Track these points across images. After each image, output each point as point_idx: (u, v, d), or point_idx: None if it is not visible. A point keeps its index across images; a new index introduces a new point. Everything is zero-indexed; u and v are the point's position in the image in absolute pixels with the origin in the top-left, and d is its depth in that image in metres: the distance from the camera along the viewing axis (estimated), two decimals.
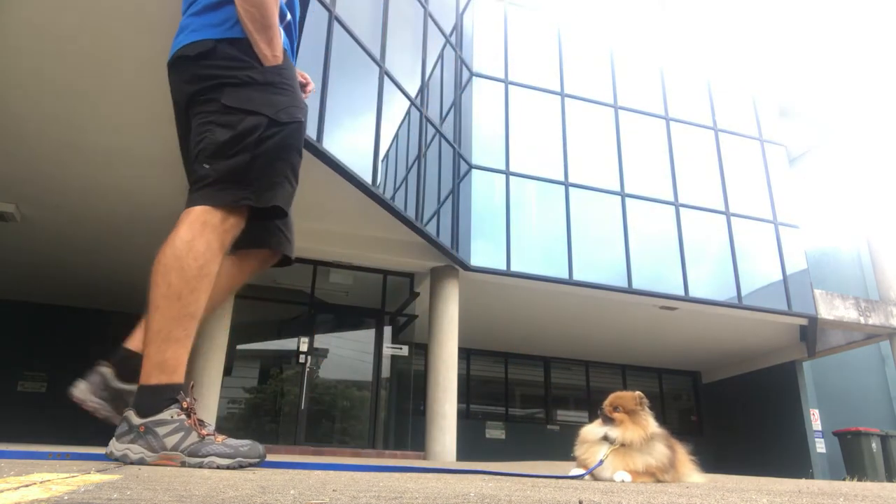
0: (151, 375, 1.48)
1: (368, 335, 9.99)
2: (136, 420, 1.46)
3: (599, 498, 0.99)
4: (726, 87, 12.96)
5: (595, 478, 1.77)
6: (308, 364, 9.01)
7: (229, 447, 1.46)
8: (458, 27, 10.51)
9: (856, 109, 14.62)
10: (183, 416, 1.47)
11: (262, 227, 1.75)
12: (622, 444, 1.78)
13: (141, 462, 1.43)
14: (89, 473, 1.13)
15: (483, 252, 9.65)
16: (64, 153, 6.84)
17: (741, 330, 11.93)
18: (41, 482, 0.91)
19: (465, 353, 12.18)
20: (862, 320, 11.86)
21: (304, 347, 9.02)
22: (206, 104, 1.64)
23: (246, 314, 8.69)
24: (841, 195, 16.51)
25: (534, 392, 14.37)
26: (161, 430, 1.45)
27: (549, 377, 14.23)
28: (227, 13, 1.67)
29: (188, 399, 1.52)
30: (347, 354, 10.38)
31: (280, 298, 9.93)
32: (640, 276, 10.40)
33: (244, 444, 1.48)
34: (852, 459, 10.33)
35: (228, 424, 8.83)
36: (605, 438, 1.81)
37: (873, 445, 10.28)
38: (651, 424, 1.85)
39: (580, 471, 1.79)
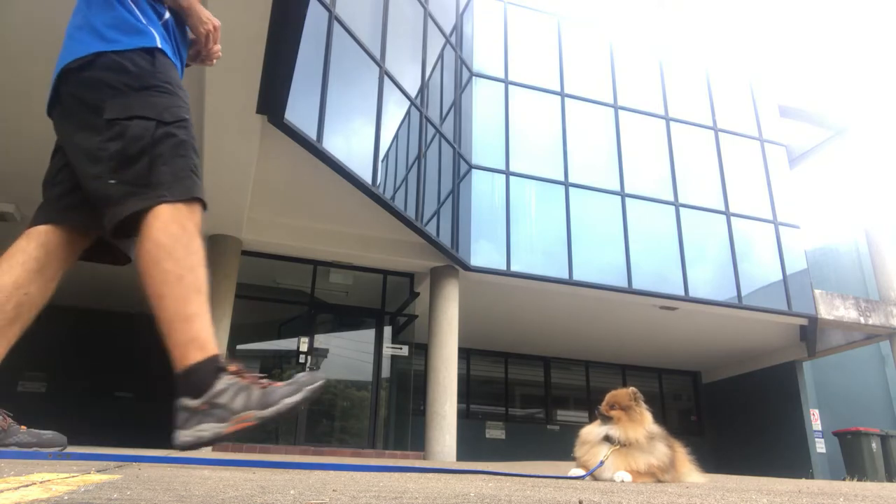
0: (187, 356, 1.46)
1: (368, 335, 9.99)
2: (194, 402, 1.44)
3: (599, 498, 0.99)
4: (726, 87, 12.95)
5: (595, 478, 1.77)
6: (308, 364, 9.00)
7: (291, 384, 1.48)
8: (458, 27, 10.51)
9: (856, 109, 14.62)
10: (236, 378, 1.47)
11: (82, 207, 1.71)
12: (624, 444, 1.78)
13: (216, 436, 1.42)
14: (89, 473, 1.13)
15: (483, 252, 9.64)
16: None
17: (741, 330, 11.93)
18: (41, 482, 0.91)
19: (465, 353, 12.18)
20: (862, 320, 11.86)
21: (304, 347, 9.01)
22: (87, 124, 1.62)
23: (246, 314, 8.69)
24: (841, 195, 16.51)
25: (534, 392, 14.36)
26: (223, 400, 1.43)
27: (549, 377, 14.22)
28: (104, 24, 1.67)
29: (234, 364, 1.51)
30: (347, 354, 10.38)
31: (280, 298, 9.93)
32: (640, 276, 10.40)
33: (304, 375, 1.51)
34: (852, 459, 10.33)
35: None
36: (607, 439, 1.81)
37: (873, 445, 10.28)
38: (648, 420, 1.85)
39: (580, 471, 1.79)
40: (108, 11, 1.69)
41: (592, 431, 1.88)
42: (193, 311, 1.48)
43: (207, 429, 1.41)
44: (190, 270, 1.51)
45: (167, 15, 1.77)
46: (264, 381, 1.49)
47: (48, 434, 1.60)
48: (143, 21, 1.70)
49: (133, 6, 1.70)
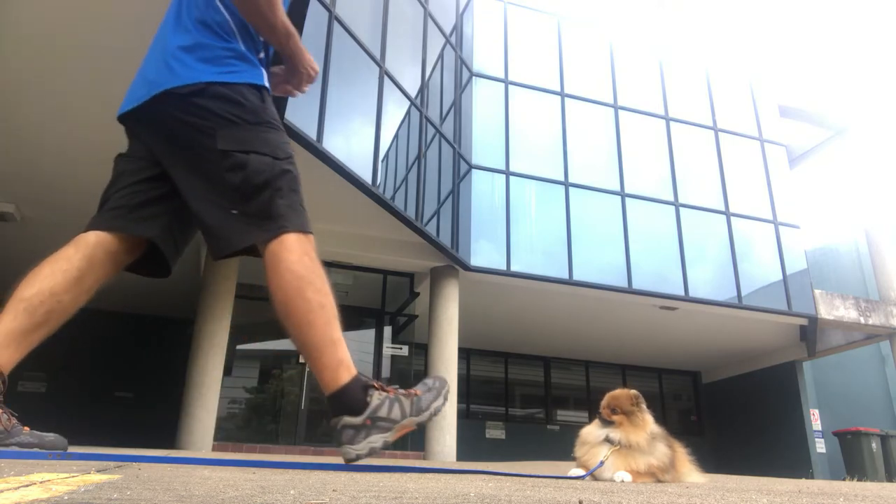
0: (339, 377, 1.59)
1: (368, 335, 9.99)
2: (357, 419, 1.57)
3: (599, 498, 0.99)
4: (726, 87, 12.96)
5: (595, 478, 1.77)
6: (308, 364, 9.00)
7: (430, 390, 1.67)
8: (458, 27, 10.51)
9: (856, 109, 14.62)
10: (384, 394, 1.61)
11: (160, 218, 1.75)
12: (627, 447, 1.78)
13: (385, 445, 1.57)
14: (89, 473, 1.13)
15: (483, 252, 9.65)
16: (64, 153, 6.84)
17: (741, 330, 11.93)
18: (41, 482, 0.91)
19: (465, 353, 12.18)
20: (862, 320, 11.86)
21: None
22: (197, 150, 1.66)
23: (246, 314, 8.69)
24: (841, 195, 16.51)
25: (534, 392, 14.37)
26: (382, 413, 1.58)
27: (549, 377, 14.22)
28: (218, 54, 1.70)
29: (374, 381, 1.64)
30: None
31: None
32: (640, 276, 10.40)
33: (434, 380, 1.71)
34: (852, 459, 10.33)
35: (229, 425, 8.83)
36: (607, 440, 1.81)
37: (873, 445, 10.28)
38: (650, 423, 1.85)
39: (580, 471, 1.79)
40: (221, 41, 1.73)
41: (593, 432, 1.88)
42: (338, 336, 1.63)
43: (377, 440, 1.56)
44: (327, 297, 1.64)
45: (262, 54, 1.83)
46: (402, 391, 1.65)
47: (50, 437, 1.61)
48: (252, 57, 1.76)
49: (241, 41, 1.75)
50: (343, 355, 1.61)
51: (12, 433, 1.56)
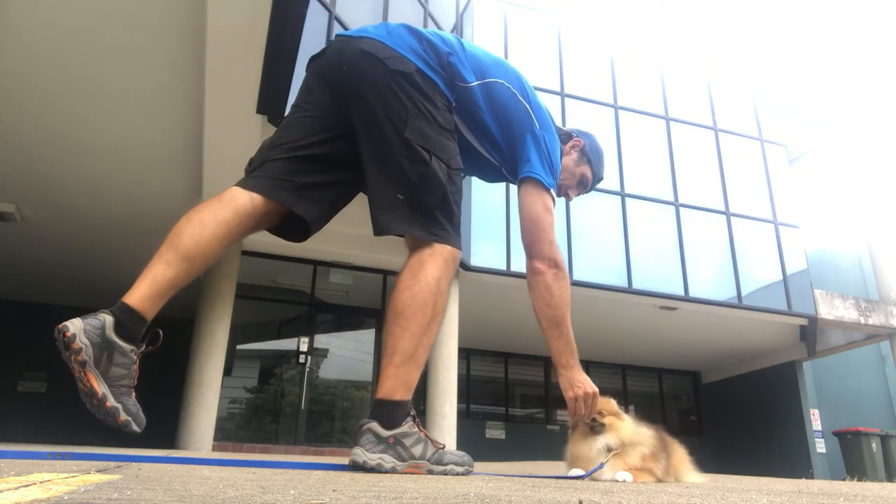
0: (397, 392, 1.62)
1: (368, 335, 9.99)
2: (384, 432, 1.59)
3: (599, 498, 0.99)
4: (726, 87, 12.95)
5: (596, 479, 1.77)
6: (308, 364, 9.00)
7: (456, 455, 1.70)
8: (458, 27, 10.51)
9: (856, 109, 14.62)
10: (417, 429, 1.65)
11: (322, 201, 1.81)
12: (622, 445, 1.78)
13: (393, 470, 1.57)
14: (89, 473, 1.13)
15: (483, 252, 9.64)
16: (64, 153, 6.84)
17: (741, 330, 11.93)
18: (41, 482, 0.91)
19: (465, 353, 12.17)
20: (862, 320, 11.86)
21: (304, 347, 9.01)
22: (386, 127, 1.70)
23: (246, 314, 8.68)
24: (841, 195, 16.50)
25: (534, 392, 14.36)
26: (407, 442, 1.61)
27: (549, 377, 14.22)
28: (433, 49, 1.81)
29: (414, 412, 1.69)
30: (347, 354, 10.38)
31: (280, 298, 9.92)
32: (640, 276, 10.40)
33: (464, 455, 1.73)
34: (852, 459, 10.33)
35: (229, 425, 8.83)
36: (609, 450, 1.81)
37: (873, 445, 10.27)
38: (629, 421, 1.89)
39: (580, 471, 1.79)
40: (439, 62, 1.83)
41: (587, 446, 1.85)
42: (423, 361, 1.68)
43: (388, 461, 1.57)
44: (437, 325, 1.69)
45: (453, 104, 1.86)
46: (434, 440, 1.69)
47: (141, 413, 1.58)
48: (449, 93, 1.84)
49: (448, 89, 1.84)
50: (414, 380, 1.66)
51: (129, 392, 1.55)
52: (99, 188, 7.53)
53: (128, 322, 1.54)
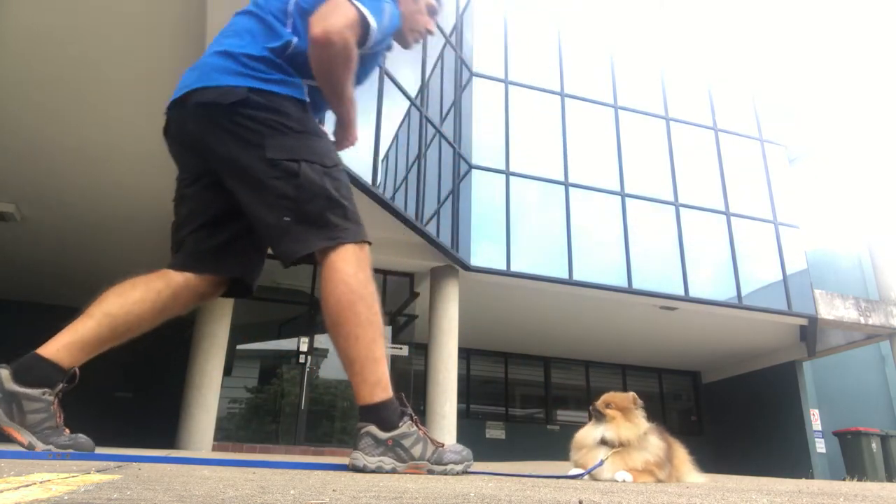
0: (375, 394, 1.63)
1: None
2: (383, 435, 1.59)
3: (599, 498, 0.99)
4: (726, 87, 12.95)
5: (595, 479, 1.77)
6: (308, 364, 9.00)
7: (455, 453, 1.68)
8: (458, 27, 10.51)
9: (856, 109, 14.62)
10: (415, 428, 1.64)
11: (239, 255, 1.84)
12: (620, 444, 1.78)
13: (393, 471, 1.57)
14: (89, 473, 1.13)
15: (483, 252, 9.64)
16: (63, 153, 6.84)
17: (741, 330, 11.93)
18: (41, 482, 0.91)
19: (465, 353, 12.17)
20: (862, 320, 11.86)
21: (304, 347, 9.00)
22: (245, 158, 1.68)
23: (246, 314, 8.68)
24: (841, 195, 16.50)
25: (534, 392, 14.36)
26: (406, 442, 1.61)
27: (549, 377, 14.22)
28: (264, 64, 1.73)
29: (411, 411, 1.68)
30: None
31: (280, 298, 9.92)
32: (639, 276, 10.40)
33: (462, 449, 1.71)
34: (852, 459, 10.32)
35: (229, 425, 8.83)
36: (603, 442, 1.81)
37: (873, 445, 10.27)
38: (643, 422, 1.85)
39: (580, 470, 1.79)
40: (265, 54, 1.73)
41: (588, 435, 1.87)
42: (380, 355, 1.66)
43: (388, 463, 1.57)
44: (377, 315, 1.68)
45: (310, 82, 1.81)
46: (433, 438, 1.67)
47: (81, 438, 1.67)
48: (295, 75, 1.76)
49: (285, 65, 1.75)
50: (382, 375, 1.65)
51: (58, 431, 1.63)
52: (98, 188, 7.53)
53: (34, 368, 1.62)
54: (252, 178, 1.68)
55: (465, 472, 1.67)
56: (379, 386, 1.63)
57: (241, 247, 1.84)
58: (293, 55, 1.74)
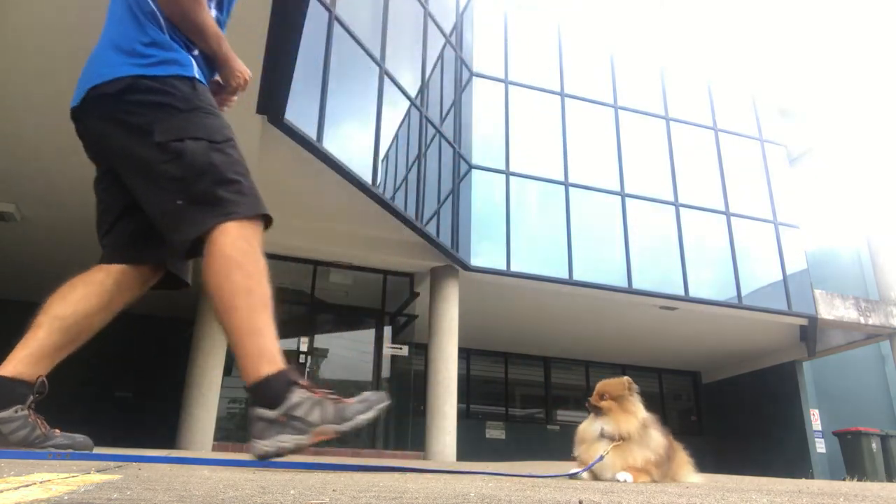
0: (260, 369, 1.51)
1: (368, 335, 9.98)
2: (272, 413, 1.49)
3: (599, 498, 0.99)
4: (726, 88, 12.96)
5: (596, 476, 1.77)
6: (308, 364, 9.00)
7: (362, 401, 1.56)
8: (458, 27, 10.51)
9: (856, 109, 14.62)
10: (307, 394, 1.51)
11: (155, 244, 1.79)
12: (620, 438, 1.77)
13: (297, 447, 1.47)
14: (89, 473, 1.13)
15: (483, 252, 9.65)
16: (64, 153, 6.84)
17: (741, 330, 11.93)
18: (41, 482, 0.91)
19: (465, 353, 12.17)
20: (862, 320, 11.86)
21: (304, 347, 9.01)
22: (137, 148, 1.65)
23: None
24: (841, 195, 16.50)
25: (534, 392, 14.37)
26: (299, 412, 1.49)
27: (549, 377, 14.22)
28: (141, 47, 1.69)
29: (302, 379, 1.56)
30: (347, 354, 10.38)
31: (280, 298, 9.90)
32: (640, 277, 10.40)
33: (370, 394, 1.60)
34: (852, 459, 10.33)
35: (229, 425, 8.83)
36: (603, 435, 1.80)
37: (873, 445, 10.27)
38: (640, 409, 1.83)
39: (579, 470, 1.79)
40: (144, 36, 1.71)
41: (588, 428, 1.87)
42: (262, 325, 1.55)
43: (287, 440, 1.47)
44: (258, 284, 1.57)
45: (196, 52, 1.80)
46: (333, 396, 1.55)
47: (79, 437, 1.69)
48: (180, 50, 1.73)
49: (167, 35, 1.72)
50: (267, 346, 1.53)
51: (49, 436, 1.63)
52: None
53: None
54: (144, 167, 1.64)
55: (378, 415, 1.57)
56: (263, 359, 1.51)
57: (154, 234, 1.78)
58: (167, 25, 1.72)
